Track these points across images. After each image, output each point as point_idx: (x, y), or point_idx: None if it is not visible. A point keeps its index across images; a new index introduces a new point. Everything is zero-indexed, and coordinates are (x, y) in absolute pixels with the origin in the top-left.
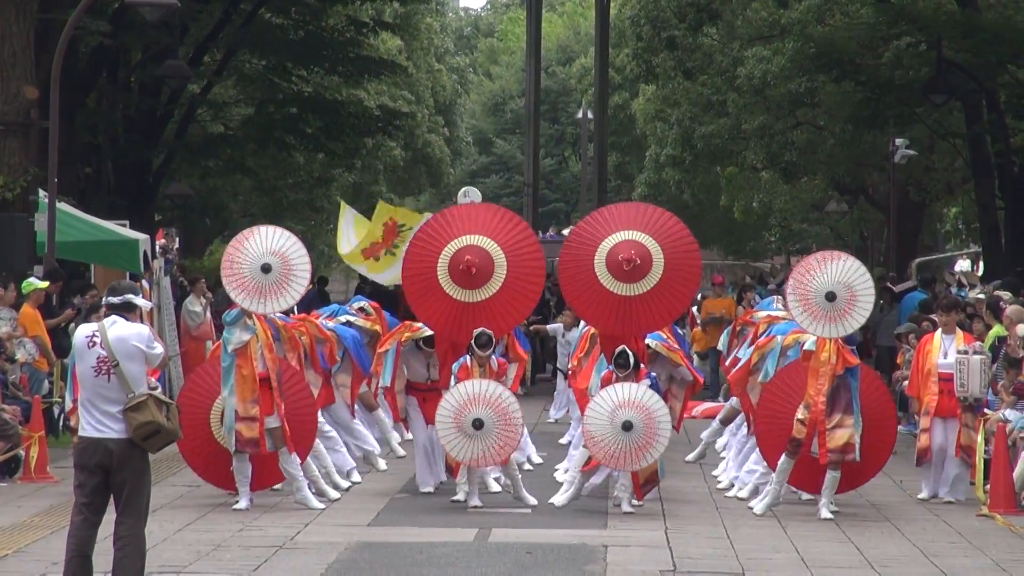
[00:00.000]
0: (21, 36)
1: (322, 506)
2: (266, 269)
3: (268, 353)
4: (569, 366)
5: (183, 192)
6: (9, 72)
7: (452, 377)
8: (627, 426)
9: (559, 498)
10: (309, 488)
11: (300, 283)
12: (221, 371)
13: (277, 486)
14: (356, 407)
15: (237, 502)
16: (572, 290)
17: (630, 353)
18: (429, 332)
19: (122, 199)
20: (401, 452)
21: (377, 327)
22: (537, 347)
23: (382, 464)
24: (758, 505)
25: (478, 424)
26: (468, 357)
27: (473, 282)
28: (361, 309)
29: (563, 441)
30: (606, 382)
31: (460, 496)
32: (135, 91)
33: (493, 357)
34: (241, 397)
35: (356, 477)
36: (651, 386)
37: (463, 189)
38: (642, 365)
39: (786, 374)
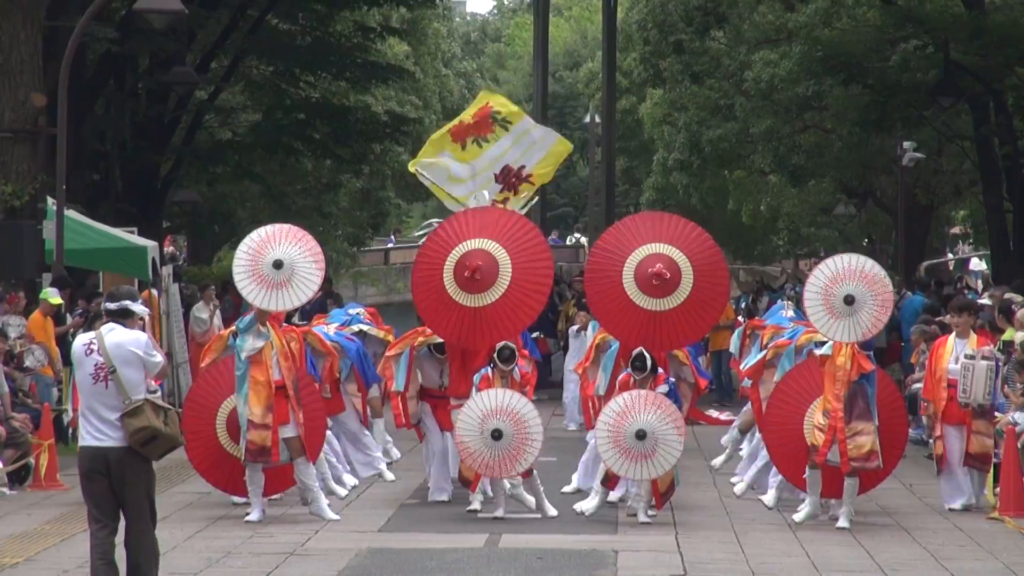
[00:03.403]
0: (28, 43)
1: (337, 517)
2: (278, 265)
3: (284, 361)
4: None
5: (191, 199)
6: (17, 79)
7: (473, 388)
8: (640, 435)
9: (586, 504)
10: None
11: (312, 281)
12: (235, 379)
13: (276, 496)
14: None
15: (248, 513)
16: (599, 303)
17: (647, 355)
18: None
19: (130, 206)
20: (390, 477)
21: (390, 337)
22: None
23: (389, 475)
24: (797, 516)
25: (497, 435)
26: (489, 368)
27: (478, 286)
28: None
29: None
30: (624, 386)
31: (475, 505)
32: (143, 98)
33: (516, 369)
34: (255, 404)
35: (350, 481)
36: (668, 392)
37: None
38: (660, 370)
39: (795, 377)
